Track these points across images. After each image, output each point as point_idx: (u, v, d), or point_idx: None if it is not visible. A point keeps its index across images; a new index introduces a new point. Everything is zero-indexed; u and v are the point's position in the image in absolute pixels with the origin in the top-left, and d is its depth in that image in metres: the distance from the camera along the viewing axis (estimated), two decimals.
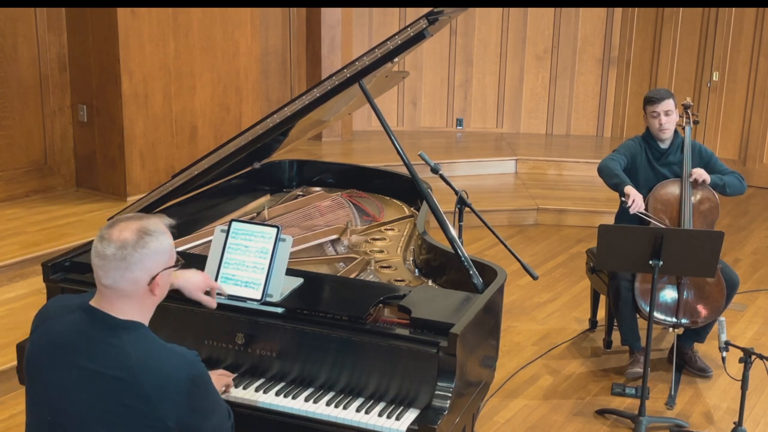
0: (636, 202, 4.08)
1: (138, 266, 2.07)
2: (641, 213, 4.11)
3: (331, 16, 8.22)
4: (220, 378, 2.55)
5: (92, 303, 2.14)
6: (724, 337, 3.66)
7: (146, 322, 2.16)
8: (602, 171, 4.32)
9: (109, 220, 3.34)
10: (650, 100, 4.30)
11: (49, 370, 2.10)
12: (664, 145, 4.35)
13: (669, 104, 4.27)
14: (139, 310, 2.13)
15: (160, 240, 2.12)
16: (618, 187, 4.20)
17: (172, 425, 2.05)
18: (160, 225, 2.16)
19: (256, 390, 2.63)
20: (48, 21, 6.09)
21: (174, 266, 2.19)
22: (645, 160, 4.36)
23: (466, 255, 2.89)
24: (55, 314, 2.18)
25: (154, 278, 2.11)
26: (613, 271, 4.18)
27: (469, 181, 7.42)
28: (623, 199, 4.12)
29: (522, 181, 7.83)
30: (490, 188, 7.57)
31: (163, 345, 2.11)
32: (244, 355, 2.70)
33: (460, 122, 9.22)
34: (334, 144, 8.43)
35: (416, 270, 3.27)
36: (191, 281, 2.53)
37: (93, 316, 2.11)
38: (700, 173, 4.21)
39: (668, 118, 4.28)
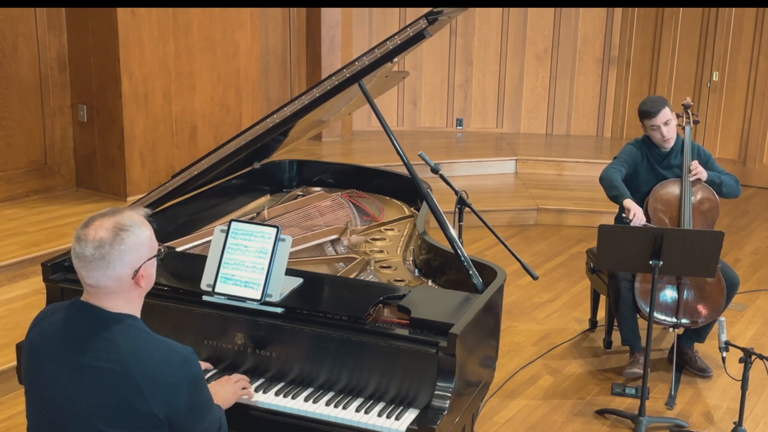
0: (637, 215, 4.05)
1: (118, 263, 2.07)
2: (644, 226, 4.08)
3: (331, 16, 8.22)
4: (236, 387, 2.55)
5: (82, 299, 2.15)
6: (724, 337, 3.66)
7: (137, 313, 2.17)
8: (603, 180, 4.27)
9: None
10: (647, 114, 4.22)
11: (45, 367, 2.11)
12: (665, 149, 4.34)
13: (666, 114, 4.22)
14: (127, 303, 2.13)
15: (136, 234, 2.10)
16: (617, 200, 4.17)
17: (163, 419, 2.06)
18: (135, 217, 2.13)
19: (256, 390, 2.62)
20: (48, 21, 6.09)
21: (156, 255, 2.18)
22: (646, 164, 4.34)
23: (466, 255, 2.89)
24: (46, 314, 2.21)
25: (137, 271, 2.11)
26: (613, 271, 4.18)
27: (469, 181, 7.42)
28: (624, 215, 4.09)
29: (522, 181, 7.83)
30: (490, 188, 7.57)
31: (156, 338, 2.12)
32: (244, 355, 2.70)
33: (460, 122, 9.22)
34: (334, 144, 8.43)
35: (416, 270, 3.27)
36: (227, 404, 2.50)
37: (83, 311, 2.12)
38: (697, 164, 4.21)
39: (668, 128, 4.23)
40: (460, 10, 3.24)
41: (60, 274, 2.91)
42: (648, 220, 4.19)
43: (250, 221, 2.87)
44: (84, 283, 2.11)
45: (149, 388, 2.03)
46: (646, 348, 3.81)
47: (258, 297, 2.68)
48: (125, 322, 2.11)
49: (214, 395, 2.43)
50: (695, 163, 4.24)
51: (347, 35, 8.35)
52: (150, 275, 2.17)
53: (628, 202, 4.11)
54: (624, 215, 4.08)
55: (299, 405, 2.56)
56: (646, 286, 4.06)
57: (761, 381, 4.12)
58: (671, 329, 4.21)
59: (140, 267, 2.11)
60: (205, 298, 2.73)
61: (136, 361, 2.04)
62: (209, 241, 2.88)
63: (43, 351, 2.13)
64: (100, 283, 2.08)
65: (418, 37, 2.92)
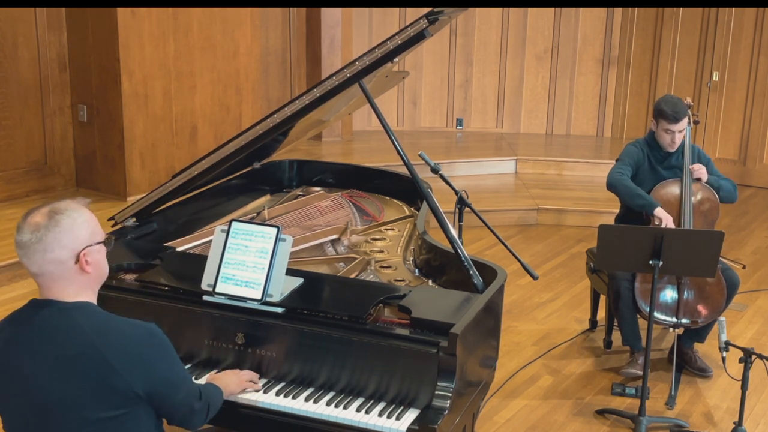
0: (669, 225, 4.05)
1: (55, 245, 2.08)
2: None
3: (331, 16, 8.22)
4: (242, 377, 2.59)
5: (36, 298, 2.17)
6: (724, 337, 3.66)
7: (93, 301, 2.18)
8: (618, 188, 4.23)
9: (109, 219, 3.34)
10: (667, 117, 4.18)
11: (16, 370, 2.11)
12: (669, 152, 4.33)
13: (684, 122, 4.19)
14: (80, 291, 2.14)
15: (72, 217, 2.12)
16: (644, 209, 4.15)
17: (142, 394, 2.09)
18: (71, 204, 2.15)
19: (256, 390, 2.62)
20: (48, 21, 6.10)
21: (103, 242, 2.19)
22: (647, 165, 4.34)
23: (466, 255, 2.89)
24: (4, 324, 2.20)
25: (78, 255, 2.11)
26: (613, 271, 4.18)
27: (469, 181, 7.42)
28: (656, 224, 4.09)
29: (522, 181, 7.83)
30: (490, 188, 7.57)
31: (118, 317, 2.14)
32: (244, 355, 2.70)
33: (460, 122, 9.22)
34: (334, 144, 8.43)
35: (416, 270, 3.27)
36: (229, 390, 2.55)
37: (40, 307, 2.14)
38: (699, 166, 4.21)
39: (681, 135, 4.23)
40: (460, 10, 3.24)
41: None
42: (648, 221, 4.20)
43: (251, 221, 2.87)
44: (31, 274, 2.13)
45: (123, 366, 2.05)
46: (646, 348, 3.81)
47: (258, 297, 2.68)
48: (84, 308, 2.12)
49: (218, 379, 2.49)
50: (698, 165, 4.24)
51: (347, 35, 8.35)
52: (97, 262, 2.16)
53: (660, 212, 4.11)
54: (657, 224, 4.08)
55: (300, 405, 2.56)
56: (646, 286, 4.06)
57: (761, 381, 4.12)
58: (671, 329, 4.21)
59: (82, 251, 2.11)
60: (205, 298, 2.73)
61: (104, 341, 2.06)
62: (209, 241, 2.88)
63: (11, 355, 2.12)
64: (43, 269, 2.09)
65: (419, 37, 2.92)
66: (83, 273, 2.12)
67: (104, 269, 2.21)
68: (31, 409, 2.10)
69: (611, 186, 4.28)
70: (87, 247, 2.12)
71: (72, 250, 2.10)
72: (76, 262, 2.10)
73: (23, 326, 2.14)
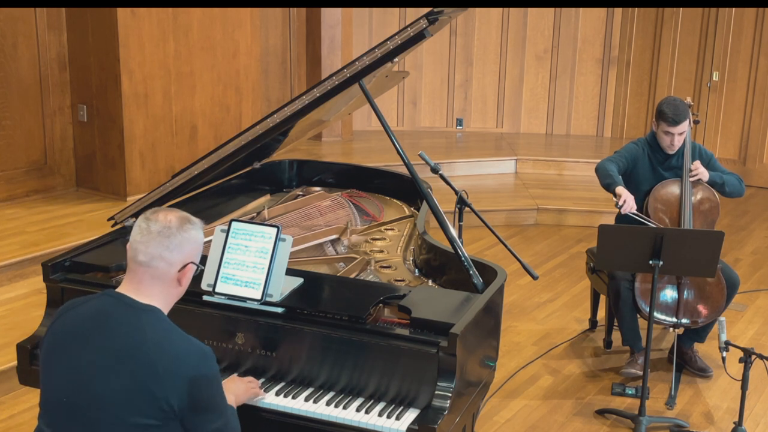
0: (627, 202, 4.05)
1: (177, 248, 2.19)
2: (633, 214, 4.09)
3: (331, 16, 8.22)
4: (248, 386, 2.57)
5: (118, 290, 2.22)
6: (724, 337, 3.66)
7: (166, 311, 2.24)
8: (598, 170, 4.30)
9: (109, 219, 3.35)
10: (667, 120, 4.16)
11: (71, 351, 2.16)
12: (668, 151, 4.33)
13: (684, 126, 4.18)
14: (162, 297, 2.22)
15: (198, 231, 2.26)
16: (609, 187, 4.18)
17: (176, 409, 2.11)
18: (198, 221, 2.30)
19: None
20: (48, 21, 6.09)
21: (197, 265, 2.29)
22: (648, 165, 4.34)
23: (466, 255, 2.89)
24: (80, 303, 2.25)
25: (185, 266, 2.22)
26: (613, 271, 4.18)
27: (469, 181, 7.42)
28: (615, 199, 4.11)
29: (522, 181, 7.83)
30: (490, 188, 7.58)
31: (181, 332, 2.19)
32: (244, 355, 2.70)
33: (460, 122, 9.22)
34: (334, 144, 8.43)
35: (416, 270, 3.27)
36: (240, 402, 2.54)
37: (116, 299, 2.20)
38: (698, 165, 4.21)
39: (681, 137, 4.22)
40: (460, 10, 3.24)
41: (60, 273, 2.91)
42: (649, 218, 4.20)
43: (251, 221, 2.87)
44: (133, 262, 2.19)
45: (167, 377, 2.08)
46: (646, 348, 3.81)
47: (258, 297, 2.68)
48: (154, 313, 2.18)
49: (227, 390, 2.45)
50: (697, 163, 4.24)
51: (347, 35, 8.35)
52: (189, 278, 2.27)
53: (620, 189, 4.12)
54: (615, 200, 4.10)
55: (300, 405, 2.57)
56: (646, 286, 4.06)
57: (761, 381, 4.12)
58: (671, 329, 4.21)
59: (188, 264, 2.23)
60: (205, 297, 2.73)
61: (158, 349, 2.10)
62: (209, 241, 2.88)
63: (69, 335, 2.18)
64: (152, 263, 2.17)
65: (419, 37, 2.92)
66: (176, 284, 2.24)
67: (186, 288, 2.30)
68: (72, 392, 2.14)
69: (596, 169, 4.33)
70: (192, 263, 2.25)
71: (184, 259, 2.22)
72: (179, 271, 2.21)
73: (92, 313, 2.18)
